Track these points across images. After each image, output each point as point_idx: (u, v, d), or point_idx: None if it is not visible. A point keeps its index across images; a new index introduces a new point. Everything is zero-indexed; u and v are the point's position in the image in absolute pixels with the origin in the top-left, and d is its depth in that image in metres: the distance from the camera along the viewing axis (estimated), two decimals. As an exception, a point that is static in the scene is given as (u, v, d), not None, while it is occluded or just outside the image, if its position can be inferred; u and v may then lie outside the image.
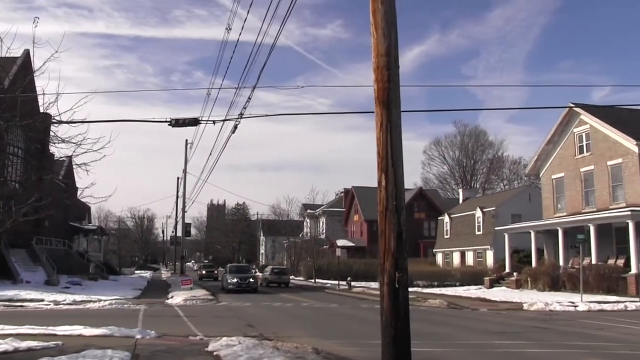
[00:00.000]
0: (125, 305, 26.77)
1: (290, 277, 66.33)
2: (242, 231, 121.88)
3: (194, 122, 17.12)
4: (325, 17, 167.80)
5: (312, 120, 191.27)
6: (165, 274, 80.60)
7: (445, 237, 62.79)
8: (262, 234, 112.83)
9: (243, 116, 17.37)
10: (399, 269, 6.98)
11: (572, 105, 38.03)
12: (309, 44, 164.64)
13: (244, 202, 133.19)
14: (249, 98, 17.07)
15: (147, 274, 77.05)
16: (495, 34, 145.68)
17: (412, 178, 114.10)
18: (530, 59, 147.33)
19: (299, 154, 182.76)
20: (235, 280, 38.57)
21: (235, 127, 18.79)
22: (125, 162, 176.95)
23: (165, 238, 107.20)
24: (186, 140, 55.67)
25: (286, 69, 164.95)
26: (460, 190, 73.94)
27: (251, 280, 39.40)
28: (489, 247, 53.98)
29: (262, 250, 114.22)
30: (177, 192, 65.79)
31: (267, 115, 17.10)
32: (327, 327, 18.85)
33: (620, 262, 33.30)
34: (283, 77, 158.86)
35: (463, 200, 67.26)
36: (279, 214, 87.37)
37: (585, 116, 38.60)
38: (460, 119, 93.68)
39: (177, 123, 16.43)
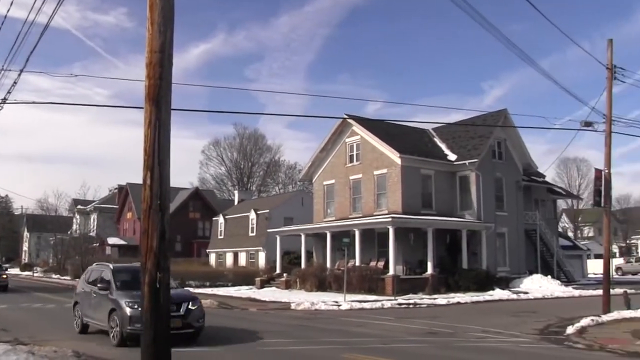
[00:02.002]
0: None
1: (56, 276, 62.91)
2: (3, 226, 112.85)
3: (-55, 105, 15.49)
4: (109, 3, 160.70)
5: (89, 111, 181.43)
6: None
7: (220, 237, 63.05)
8: (26, 229, 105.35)
9: (7, 101, 16.03)
10: (161, 268, 6.92)
11: (345, 116, 40.09)
12: (89, 29, 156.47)
13: (6, 195, 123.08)
14: (15, 82, 15.77)
15: None
16: (281, 40, 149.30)
17: (190, 177, 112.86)
18: (311, 68, 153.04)
19: (72, 146, 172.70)
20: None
21: (-3, 113, 17.26)
22: None
23: None
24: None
25: (63, 54, 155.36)
26: (236, 192, 74.76)
27: (194, 310, 15.52)
28: (261, 248, 55.08)
29: (25, 248, 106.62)
30: None
31: (35, 103, 16.01)
32: (91, 329, 18.11)
33: (381, 264, 35.82)
34: (60, 62, 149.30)
35: (238, 202, 68.04)
36: (47, 209, 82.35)
37: (357, 127, 40.92)
38: (241, 121, 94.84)
39: None
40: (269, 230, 48.76)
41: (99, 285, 16.00)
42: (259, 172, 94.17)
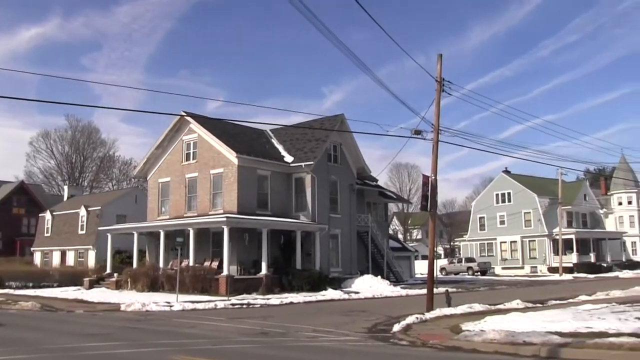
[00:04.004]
0: None
1: None
2: None
3: None
4: None
5: None
6: None
7: (46, 235, 59.79)
8: None
9: None
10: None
11: (183, 113, 39.37)
12: None
13: None
14: None
15: None
16: (121, 30, 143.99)
17: (15, 170, 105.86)
18: (151, 62, 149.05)
19: None
20: None
21: None
22: None
23: None
24: None
25: None
26: (65, 187, 71.19)
27: None
28: (91, 247, 53.00)
29: None
30: None
31: None
32: None
33: (215, 264, 35.58)
34: None
35: (68, 198, 64.99)
36: None
37: (194, 125, 40.34)
38: (74, 113, 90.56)
39: None
40: (99, 228, 47.00)
41: None
42: (92, 167, 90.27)
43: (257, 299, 30.16)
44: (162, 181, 42.67)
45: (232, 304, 27.75)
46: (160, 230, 38.26)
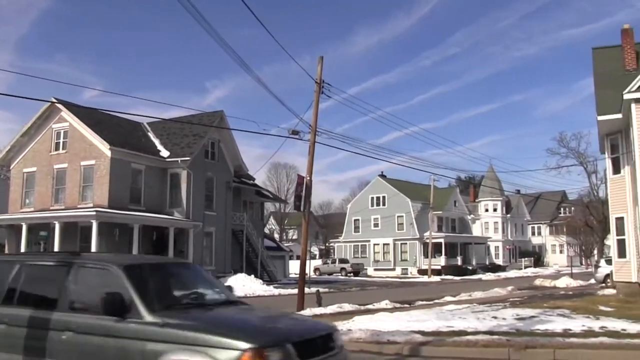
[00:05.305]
0: None
1: None
2: None
3: None
4: None
5: None
6: None
7: None
8: None
9: None
10: None
11: (54, 100, 37.53)
12: None
13: None
14: None
15: None
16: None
17: None
18: (23, 42, 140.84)
19: None
20: None
21: None
22: None
23: None
24: None
25: None
26: None
27: None
28: (-54, 239, 49.56)
29: None
30: None
31: None
32: None
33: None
34: None
35: None
36: None
37: (66, 114, 38.51)
38: None
39: None
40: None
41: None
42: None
43: (124, 297, 29.16)
44: (27, 171, 40.38)
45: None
46: (23, 223, 36.23)
